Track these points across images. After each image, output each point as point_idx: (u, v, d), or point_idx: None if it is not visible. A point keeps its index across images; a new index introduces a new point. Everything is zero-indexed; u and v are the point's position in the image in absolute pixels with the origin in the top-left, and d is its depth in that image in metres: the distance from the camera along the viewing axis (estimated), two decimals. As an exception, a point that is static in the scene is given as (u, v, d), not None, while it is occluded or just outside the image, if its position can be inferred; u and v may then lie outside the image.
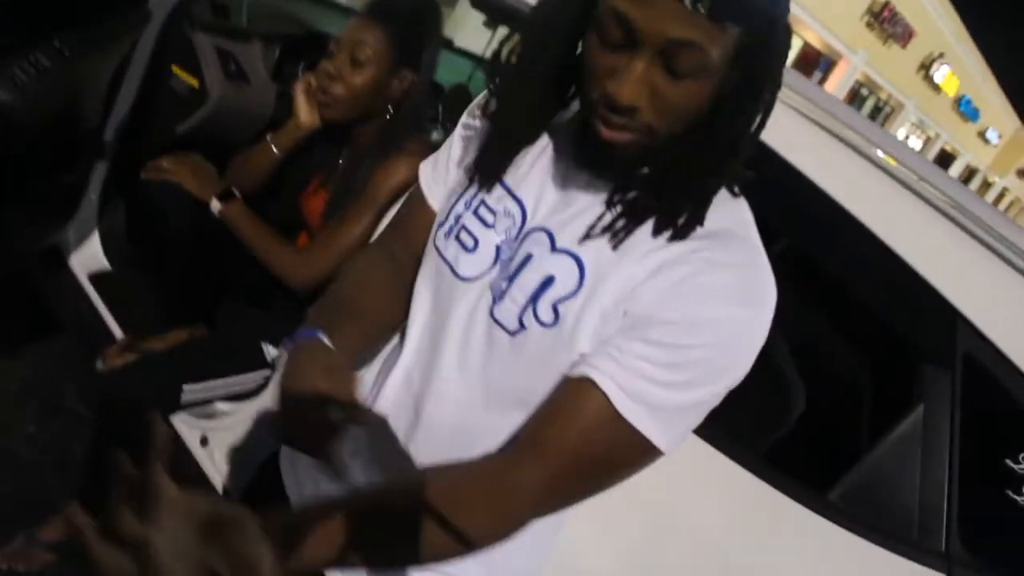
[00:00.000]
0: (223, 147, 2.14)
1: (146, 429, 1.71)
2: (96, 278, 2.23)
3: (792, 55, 2.75)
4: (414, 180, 1.60)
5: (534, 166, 0.94)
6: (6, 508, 2.01)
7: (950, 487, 1.19)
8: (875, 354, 1.34)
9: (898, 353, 1.26)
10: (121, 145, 2.20)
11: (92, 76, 1.90)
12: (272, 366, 1.90)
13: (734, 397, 0.83)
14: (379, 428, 1.01)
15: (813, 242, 1.35)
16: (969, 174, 32.21)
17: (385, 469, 1.01)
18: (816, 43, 20.34)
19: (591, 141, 0.82)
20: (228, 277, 1.97)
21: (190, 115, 2.21)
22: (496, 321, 0.89)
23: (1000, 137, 32.07)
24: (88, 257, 2.28)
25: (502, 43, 0.94)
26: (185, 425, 1.89)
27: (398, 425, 0.99)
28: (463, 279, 0.93)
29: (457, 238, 0.95)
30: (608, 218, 0.85)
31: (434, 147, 1.82)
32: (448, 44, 3.41)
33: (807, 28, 18.72)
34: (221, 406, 1.90)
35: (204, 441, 1.88)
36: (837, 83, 21.52)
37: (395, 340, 1.07)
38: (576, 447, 0.81)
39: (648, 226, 0.84)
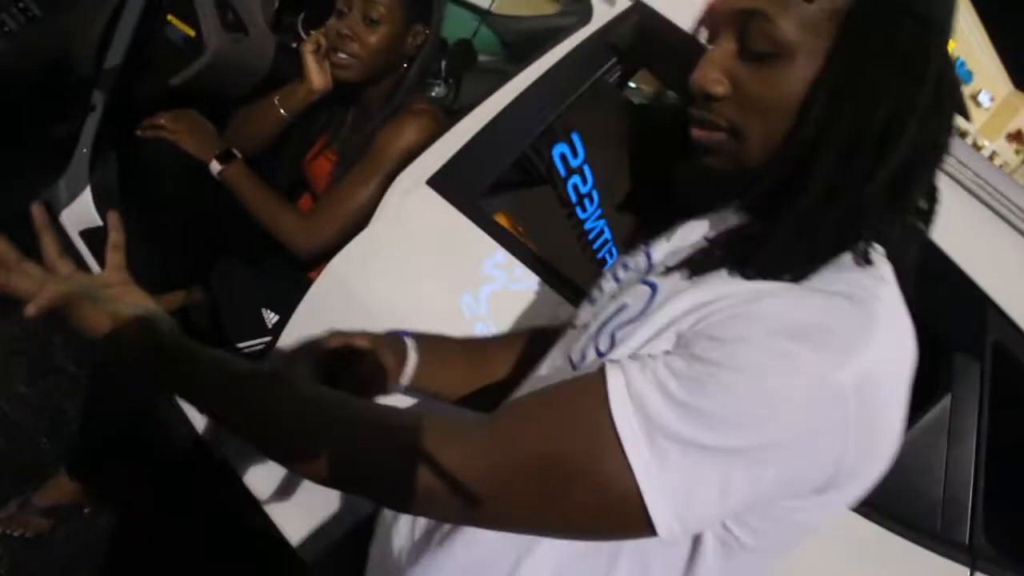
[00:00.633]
0: (220, 100, 2.06)
1: (141, 395, 1.68)
2: (87, 234, 2.15)
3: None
4: (423, 142, 1.55)
5: (678, 226, 0.88)
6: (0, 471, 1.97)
7: (976, 479, 1.16)
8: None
9: (926, 341, 1.22)
10: (114, 97, 2.11)
11: (84, 24, 1.81)
12: (271, 333, 1.84)
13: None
14: None
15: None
16: (959, 136, 32.00)
17: None
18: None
19: (686, 167, 0.78)
20: (227, 239, 1.90)
21: (186, 66, 2.11)
22: (569, 358, 0.83)
23: (992, 100, 31.85)
24: (79, 213, 2.19)
25: None
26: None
27: None
28: (573, 327, 0.89)
29: (590, 295, 0.92)
30: (696, 254, 0.77)
31: (438, 103, 1.77)
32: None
33: None
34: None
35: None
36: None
37: None
38: (539, 430, 0.67)
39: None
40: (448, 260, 1.46)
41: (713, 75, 0.72)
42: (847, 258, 0.70)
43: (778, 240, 0.69)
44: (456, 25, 2.92)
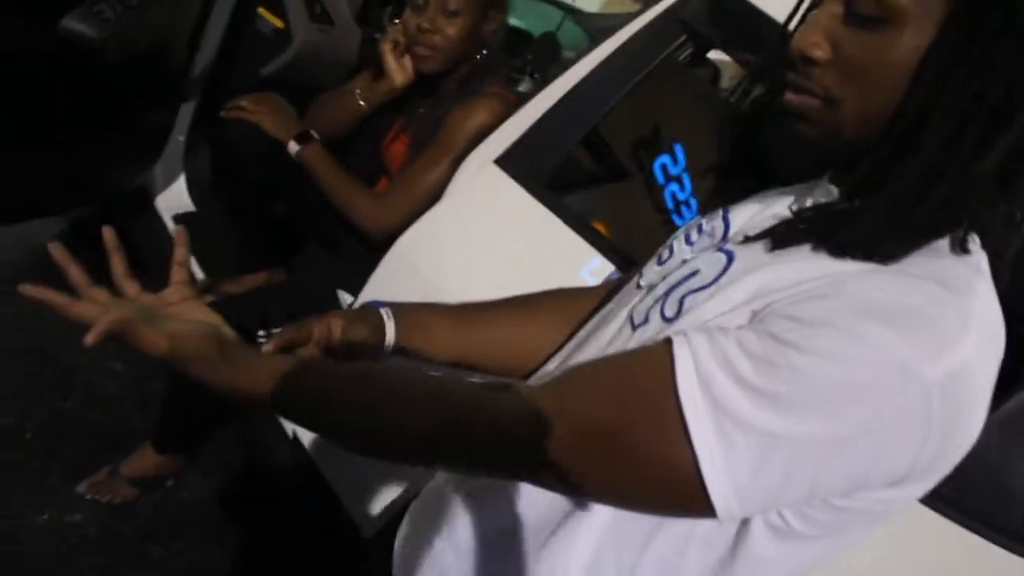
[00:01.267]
0: (306, 91, 2.12)
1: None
2: (180, 219, 2.25)
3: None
4: (493, 123, 1.56)
5: (761, 193, 0.84)
6: (92, 441, 2.07)
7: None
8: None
9: (1010, 322, 1.14)
10: (207, 87, 2.21)
11: (177, 16, 1.89)
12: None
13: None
14: None
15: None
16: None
17: None
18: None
19: (772, 133, 0.77)
20: (304, 221, 1.95)
21: (275, 57, 2.19)
22: (630, 317, 0.80)
23: None
24: (174, 198, 2.30)
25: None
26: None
27: None
28: (639, 288, 0.86)
29: (659, 254, 0.88)
30: (779, 226, 0.72)
31: (519, 94, 1.78)
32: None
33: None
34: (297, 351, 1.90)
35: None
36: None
37: None
38: (604, 391, 0.66)
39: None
40: (514, 238, 1.46)
41: (814, 38, 0.68)
42: (943, 244, 0.65)
43: (871, 217, 0.65)
44: (542, 19, 2.94)
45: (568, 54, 2.68)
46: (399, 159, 1.81)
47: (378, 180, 1.91)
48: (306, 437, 1.69)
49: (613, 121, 1.51)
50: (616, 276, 1.29)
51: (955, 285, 0.61)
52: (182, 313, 0.88)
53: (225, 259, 2.10)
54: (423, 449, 0.75)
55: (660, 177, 1.49)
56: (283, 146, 1.76)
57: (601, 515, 0.78)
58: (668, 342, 0.63)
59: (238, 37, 2.17)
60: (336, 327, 0.97)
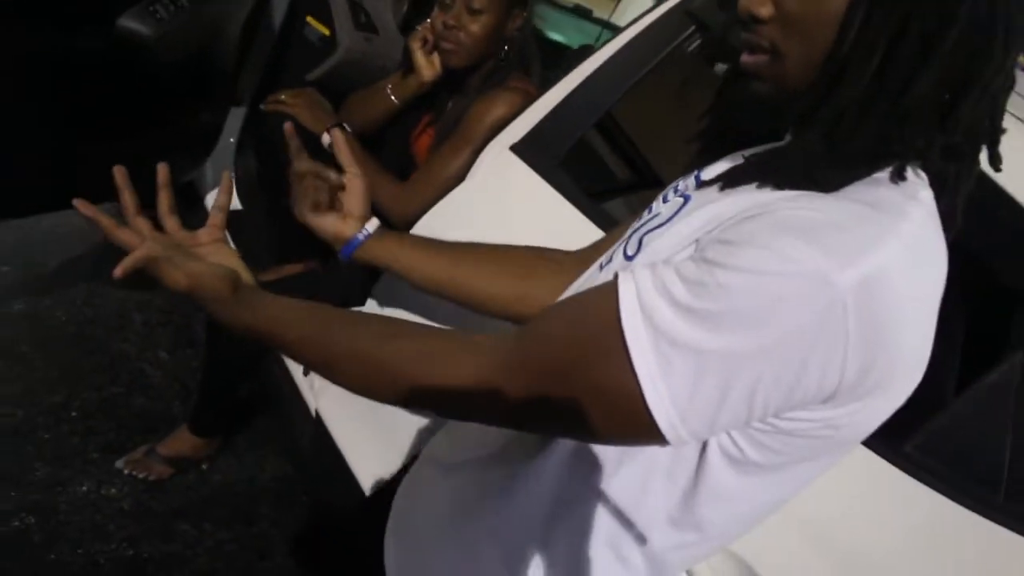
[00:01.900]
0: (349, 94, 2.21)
1: (253, 355, 1.83)
2: (228, 215, 2.35)
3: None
4: (512, 115, 1.62)
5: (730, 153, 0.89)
6: (133, 423, 2.17)
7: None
8: (969, 294, 1.20)
9: (995, 294, 1.13)
10: (257, 92, 2.32)
11: (226, 18, 2.01)
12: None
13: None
14: None
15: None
16: None
17: None
18: None
19: (732, 94, 0.81)
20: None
21: (320, 63, 2.29)
22: (600, 262, 0.87)
23: None
24: (223, 197, 2.41)
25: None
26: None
27: None
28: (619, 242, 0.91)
29: (641, 216, 0.93)
30: (731, 168, 0.76)
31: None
32: (587, 14, 3.41)
33: None
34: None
35: (306, 371, 1.95)
36: None
37: None
38: (561, 331, 0.71)
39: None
40: (527, 221, 1.50)
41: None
42: (883, 176, 0.68)
43: (808, 150, 0.69)
44: (581, 33, 3.02)
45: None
46: (426, 151, 1.88)
47: (409, 173, 1.98)
48: (326, 412, 1.74)
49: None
50: None
51: (883, 207, 0.64)
52: (208, 254, 0.97)
53: (264, 251, 2.19)
54: (398, 398, 0.80)
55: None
56: (318, 139, 1.85)
57: (564, 450, 0.82)
58: (615, 279, 0.67)
59: (287, 44, 2.28)
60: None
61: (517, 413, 0.72)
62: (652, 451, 0.75)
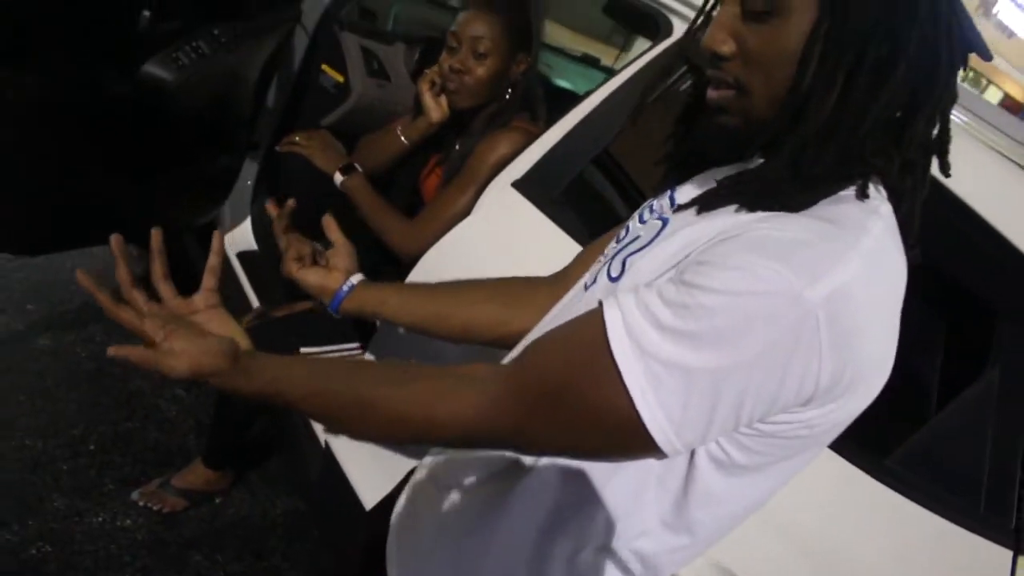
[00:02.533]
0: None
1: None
2: (244, 256, 2.43)
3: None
4: (514, 154, 1.69)
5: (702, 173, 0.93)
6: (149, 456, 2.22)
7: (1024, 458, 1.09)
8: (947, 309, 1.24)
9: (973, 309, 1.17)
10: (273, 137, 2.41)
11: (244, 65, 2.10)
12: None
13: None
14: None
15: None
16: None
17: None
18: (1017, 94, 18.98)
19: (701, 126, 0.85)
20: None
21: (334, 109, 2.38)
22: (584, 282, 0.92)
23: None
24: (240, 238, 2.49)
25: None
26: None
27: None
28: (600, 262, 0.96)
29: (617, 236, 0.98)
30: (706, 192, 0.82)
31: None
32: (595, 62, 3.51)
33: (1008, 79, 17.49)
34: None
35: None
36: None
37: None
38: (552, 361, 0.75)
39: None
40: (529, 254, 1.56)
41: (720, 36, 0.78)
42: (847, 194, 0.74)
43: (776, 173, 0.75)
44: (587, 81, 3.11)
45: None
46: (433, 191, 1.95)
47: (417, 211, 2.05)
48: (335, 445, 1.79)
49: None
50: None
51: (844, 223, 0.70)
52: (206, 321, 0.99)
53: (278, 289, 2.26)
54: (405, 439, 0.90)
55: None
56: (331, 179, 1.92)
57: (557, 464, 0.87)
58: (600, 306, 0.72)
59: (303, 90, 2.38)
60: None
61: (519, 438, 0.78)
62: (644, 461, 0.79)
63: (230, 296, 2.31)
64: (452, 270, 1.61)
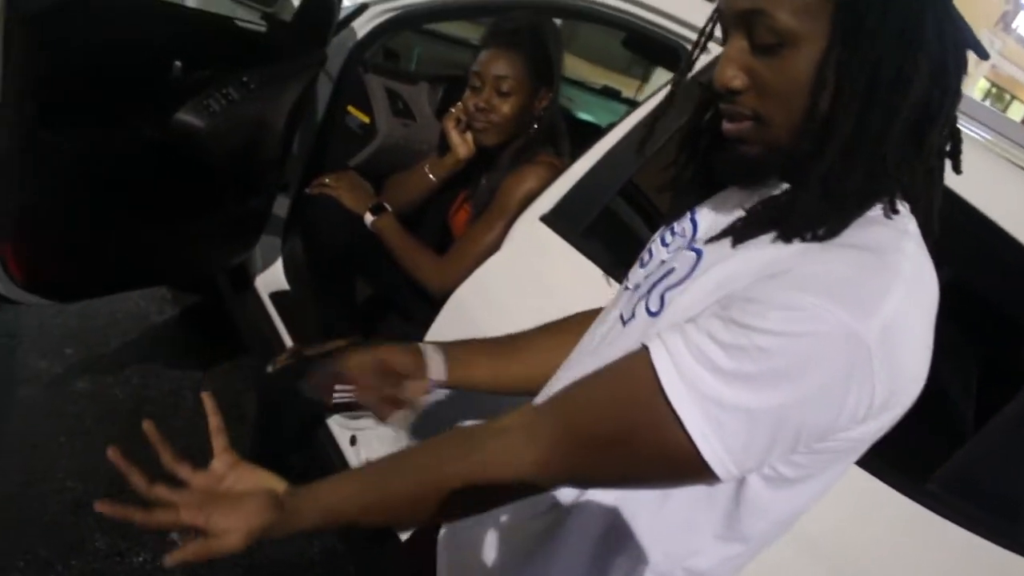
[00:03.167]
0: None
1: (301, 427, 1.88)
2: (276, 296, 2.47)
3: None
4: (541, 188, 1.72)
5: (722, 194, 0.94)
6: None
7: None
8: (984, 328, 1.24)
9: (1010, 327, 1.17)
10: (302, 179, 2.46)
11: (273, 109, 2.15)
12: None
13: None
14: None
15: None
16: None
17: None
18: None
19: (720, 158, 0.85)
20: (378, 289, 2.13)
21: (361, 149, 2.43)
22: (620, 315, 0.91)
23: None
24: (271, 278, 2.53)
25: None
26: (338, 425, 2.05)
27: None
28: (626, 289, 0.97)
29: (640, 258, 0.99)
30: (737, 222, 0.83)
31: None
32: (615, 94, 3.55)
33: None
34: (370, 409, 2.05)
35: (353, 440, 2.02)
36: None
37: None
38: (601, 410, 0.77)
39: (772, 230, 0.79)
40: (561, 286, 1.58)
41: (731, 72, 0.79)
42: (875, 213, 0.76)
43: (808, 200, 0.76)
44: (609, 113, 3.15)
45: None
46: (462, 227, 1.99)
47: (447, 247, 2.08)
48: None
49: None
50: None
51: (882, 249, 0.72)
52: (236, 483, 0.91)
53: (311, 329, 2.29)
54: (461, 514, 0.89)
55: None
56: (361, 219, 1.96)
57: (605, 498, 0.88)
58: (646, 349, 0.73)
59: (329, 132, 2.43)
60: (380, 351, 1.07)
61: (577, 480, 0.82)
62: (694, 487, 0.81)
63: (268, 340, 2.36)
64: (484, 306, 1.64)
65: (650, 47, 2.46)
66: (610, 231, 1.71)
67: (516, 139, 1.90)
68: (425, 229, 2.10)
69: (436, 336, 1.69)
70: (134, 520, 0.86)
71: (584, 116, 3.08)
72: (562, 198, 1.64)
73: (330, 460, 2.03)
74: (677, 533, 0.86)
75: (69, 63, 1.58)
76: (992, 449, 1.11)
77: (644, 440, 0.73)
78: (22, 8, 1.45)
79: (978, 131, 1.40)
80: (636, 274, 0.98)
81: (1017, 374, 1.12)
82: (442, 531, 1.15)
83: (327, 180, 2.05)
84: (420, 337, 1.88)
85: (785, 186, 0.84)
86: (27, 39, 1.48)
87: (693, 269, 0.82)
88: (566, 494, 0.92)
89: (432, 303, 1.88)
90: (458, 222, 2.04)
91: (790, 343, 0.66)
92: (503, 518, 1.01)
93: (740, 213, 0.85)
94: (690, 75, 1.56)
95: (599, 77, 3.93)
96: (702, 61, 1.55)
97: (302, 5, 2.05)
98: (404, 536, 1.62)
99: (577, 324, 1.16)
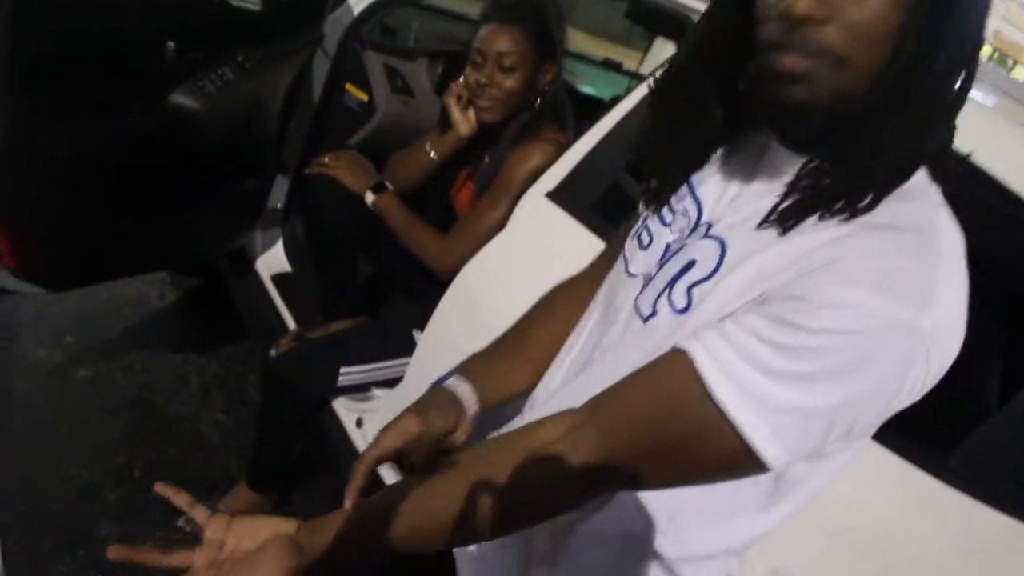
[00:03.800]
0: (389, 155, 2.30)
1: (307, 409, 1.84)
2: (277, 278, 2.44)
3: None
4: (546, 165, 1.68)
5: (720, 164, 0.87)
6: (193, 481, 2.22)
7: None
8: (1008, 304, 1.21)
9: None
10: (301, 159, 2.42)
11: (269, 89, 2.11)
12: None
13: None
14: None
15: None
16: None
17: None
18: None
19: (768, 100, 0.72)
20: (384, 270, 2.10)
21: (360, 128, 2.39)
22: (636, 308, 0.86)
23: None
24: (272, 260, 2.51)
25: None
26: (343, 408, 2.02)
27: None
28: (630, 275, 0.91)
29: (638, 237, 0.93)
30: (775, 205, 0.74)
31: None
32: (617, 66, 3.50)
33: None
34: (376, 391, 2.03)
35: (359, 423, 1.99)
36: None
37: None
38: (646, 419, 0.73)
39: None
40: (569, 263, 1.55)
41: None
42: (906, 186, 0.71)
43: (878, 174, 0.69)
44: (611, 85, 3.10)
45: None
46: (466, 205, 1.95)
47: (450, 226, 2.05)
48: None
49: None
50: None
51: (920, 227, 0.69)
52: (239, 541, 0.84)
53: (314, 311, 2.27)
54: (502, 532, 0.82)
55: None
56: (362, 199, 1.93)
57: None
58: (685, 353, 0.70)
59: (328, 111, 2.39)
60: (414, 427, 0.95)
61: (626, 488, 0.80)
62: None
63: (270, 323, 2.33)
64: (489, 286, 1.61)
65: (653, 18, 2.41)
66: (618, 206, 1.67)
67: (519, 115, 1.86)
68: (427, 208, 2.07)
69: (443, 316, 1.66)
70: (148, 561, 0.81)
71: (586, 90, 3.03)
72: (569, 174, 1.60)
73: (336, 443, 2.01)
74: (723, 512, 0.85)
75: (59, 48, 1.54)
76: (1015, 425, 1.08)
77: (695, 446, 0.71)
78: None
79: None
80: (637, 258, 0.91)
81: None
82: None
83: (326, 160, 2.01)
84: (422, 317, 1.86)
85: (785, 153, 0.77)
86: (13, 24, 1.44)
87: (720, 262, 0.77)
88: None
89: (436, 283, 1.85)
90: (461, 200, 2.01)
91: (845, 342, 0.63)
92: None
93: (758, 190, 0.80)
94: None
95: (599, 49, 3.87)
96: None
97: (297, -18, 2.01)
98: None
99: (565, 297, 1.14)
